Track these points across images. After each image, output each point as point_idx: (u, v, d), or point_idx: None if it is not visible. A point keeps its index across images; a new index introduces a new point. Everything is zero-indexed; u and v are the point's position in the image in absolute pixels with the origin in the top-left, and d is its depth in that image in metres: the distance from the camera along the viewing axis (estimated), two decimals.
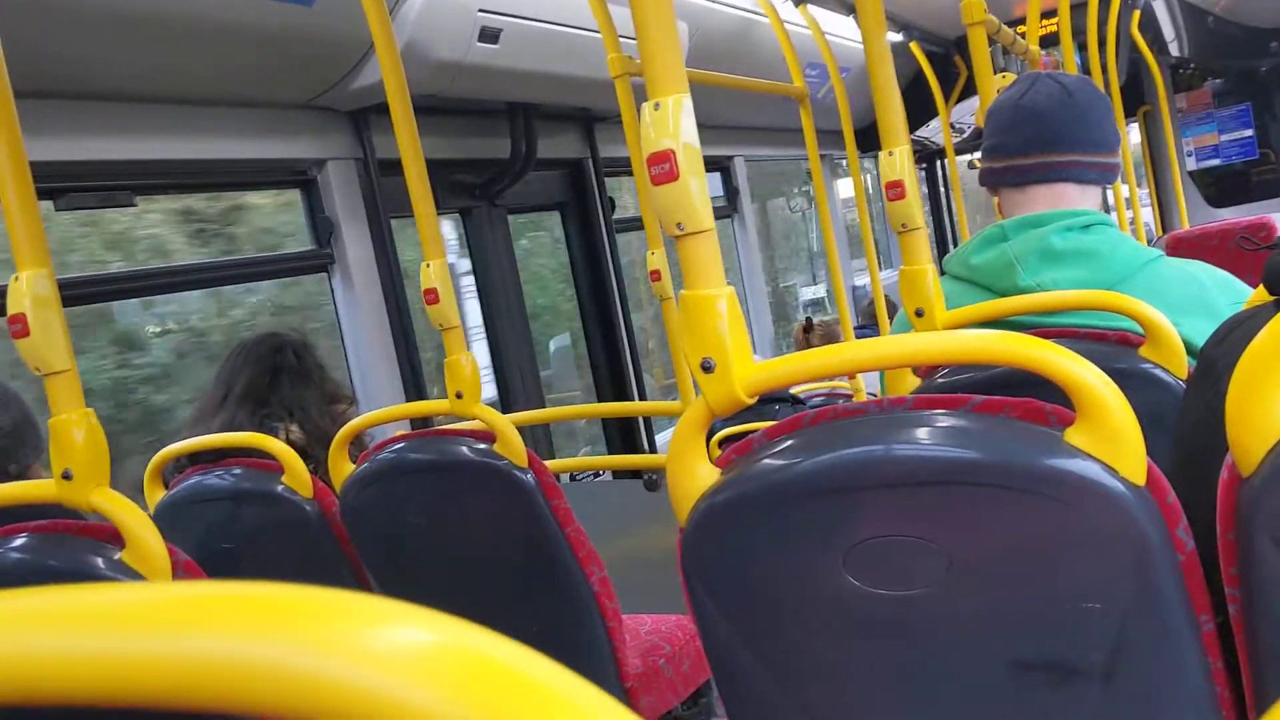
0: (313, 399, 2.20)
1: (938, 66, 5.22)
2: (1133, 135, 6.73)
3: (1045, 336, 1.48)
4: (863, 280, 5.86)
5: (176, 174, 2.67)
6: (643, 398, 4.09)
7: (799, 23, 3.91)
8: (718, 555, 0.99)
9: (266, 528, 1.96)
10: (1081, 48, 4.54)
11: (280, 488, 1.91)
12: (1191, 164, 6.37)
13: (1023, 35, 3.23)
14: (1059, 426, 0.87)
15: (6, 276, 1.35)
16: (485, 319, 3.56)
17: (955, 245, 7.26)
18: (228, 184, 2.93)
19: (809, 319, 4.84)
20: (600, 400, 4.08)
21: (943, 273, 1.66)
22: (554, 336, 4.61)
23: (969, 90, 5.37)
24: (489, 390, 3.48)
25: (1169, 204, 6.34)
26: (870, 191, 6.31)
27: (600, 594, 1.80)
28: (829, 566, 0.92)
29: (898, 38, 5.04)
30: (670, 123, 0.96)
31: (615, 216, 4.03)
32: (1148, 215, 6.59)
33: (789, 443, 0.97)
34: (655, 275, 2.67)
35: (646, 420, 4.03)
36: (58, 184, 2.31)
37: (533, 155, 3.43)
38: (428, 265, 1.86)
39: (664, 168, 0.97)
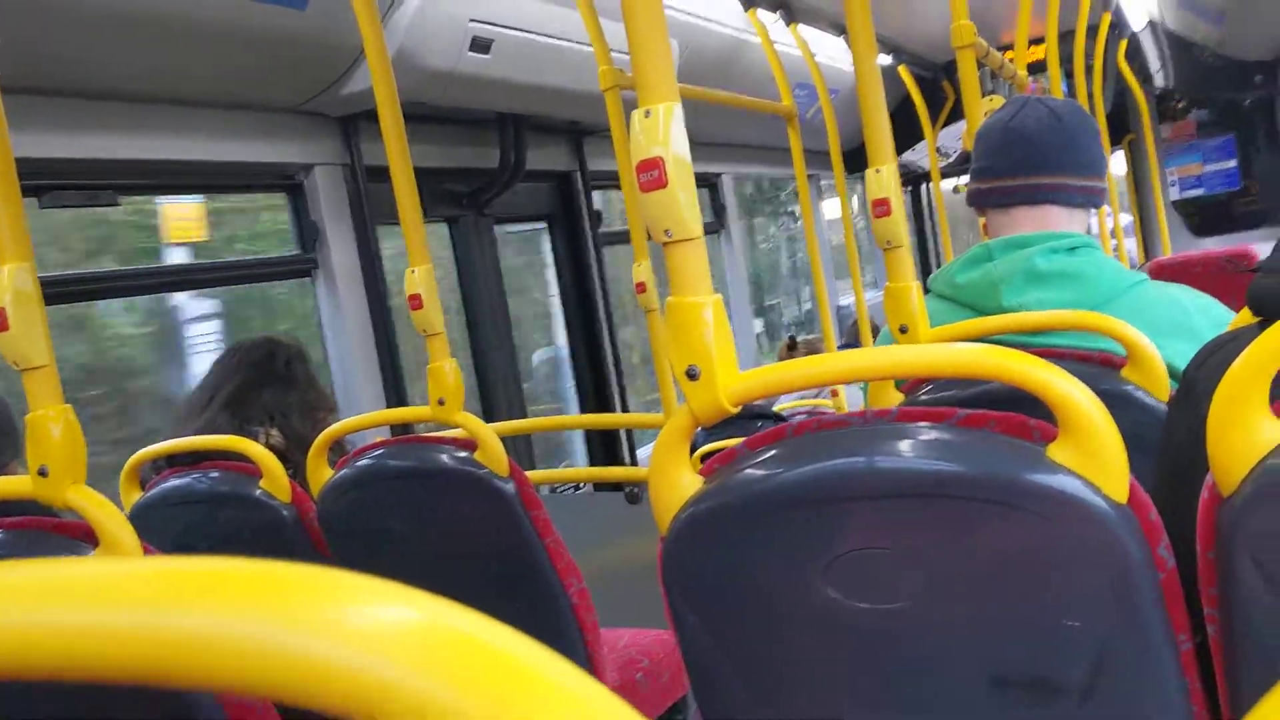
0: (294, 404, 2.19)
1: (925, 90, 5.26)
2: (1118, 164, 6.79)
3: None
4: (847, 300, 5.88)
5: (162, 174, 2.65)
6: (625, 410, 4.09)
7: (789, 43, 3.93)
8: (699, 565, 0.98)
9: (243, 532, 1.94)
10: (1069, 75, 4.58)
11: (258, 492, 1.89)
12: (1175, 193, 6.43)
13: (1011, 61, 3.26)
14: (1042, 442, 0.87)
15: None
16: (469, 328, 3.55)
17: (938, 267, 7.30)
18: (214, 186, 2.92)
19: (793, 337, 4.85)
20: (584, 412, 4.08)
21: (927, 291, 1.67)
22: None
23: (956, 114, 5.41)
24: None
25: (1152, 232, 6.39)
26: (856, 211, 6.34)
27: (578, 606, 1.79)
28: (811, 578, 0.92)
29: (887, 61, 5.08)
30: (660, 130, 0.96)
31: (602, 229, 4.04)
32: (1131, 244, 6.64)
33: (772, 453, 0.96)
34: (641, 287, 2.67)
35: (629, 433, 4.02)
36: (42, 180, 2.30)
37: (521, 166, 3.43)
38: (412, 271, 1.86)
39: (653, 175, 0.96)
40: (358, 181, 2.94)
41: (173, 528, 1.95)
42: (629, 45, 0.98)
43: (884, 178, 1.57)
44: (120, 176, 2.51)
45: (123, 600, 0.26)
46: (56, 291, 2.31)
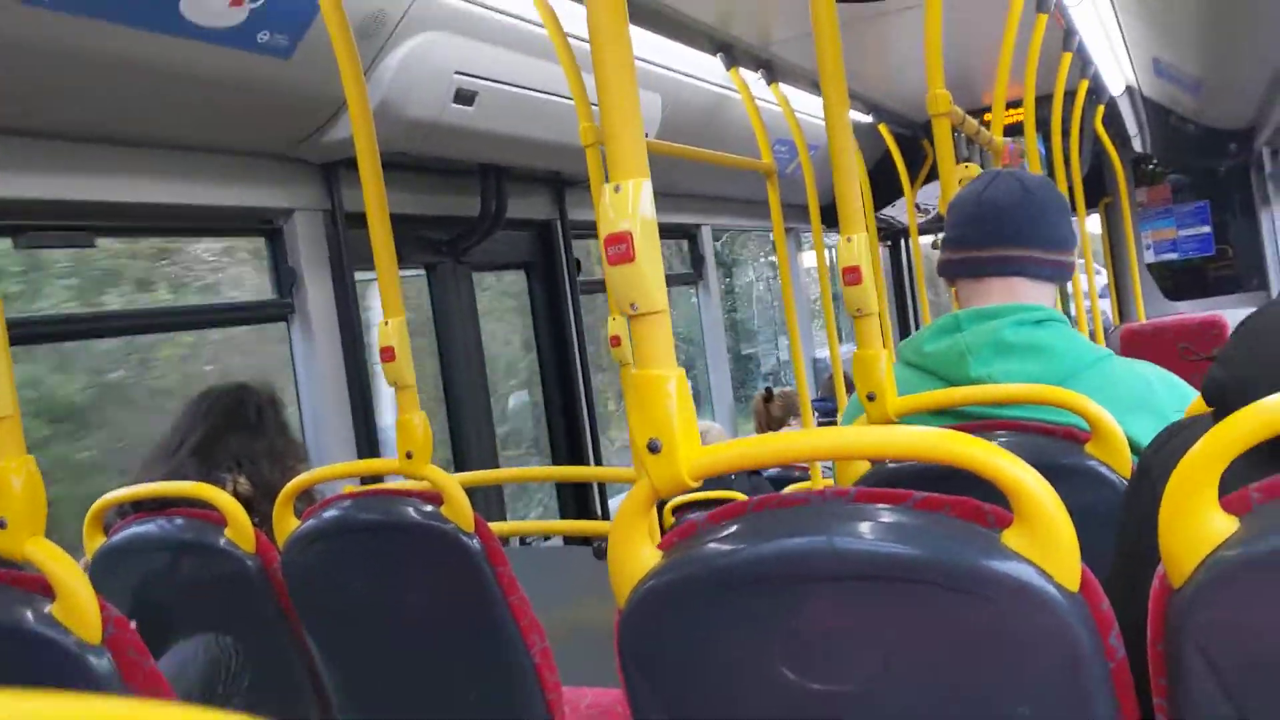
0: (263, 452, 2.17)
1: (905, 148, 5.33)
2: (1094, 226, 6.88)
3: (993, 428, 1.51)
4: (823, 353, 5.91)
5: (141, 217, 2.65)
6: (599, 461, 4.08)
7: (770, 100, 3.98)
8: (655, 639, 0.98)
9: (205, 581, 1.92)
10: (1045, 138, 4.64)
11: (222, 541, 1.87)
12: (1150, 256, 6.51)
13: (988, 124, 3.31)
14: (997, 528, 0.87)
15: None
16: (443, 375, 3.55)
17: (916, 324, 7.37)
18: (192, 229, 2.91)
19: (769, 389, 4.86)
20: (555, 460, 4.06)
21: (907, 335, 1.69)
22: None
23: (935, 173, 5.47)
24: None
25: (1127, 295, 6.46)
26: (832, 267, 6.39)
27: (541, 665, 1.77)
28: (766, 656, 0.92)
29: (867, 119, 5.14)
30: (629, 205, 0.98)
31: (581, 278, 4.05)
32: (1105, 305, 6.71)
33: (733, 528, 0.97)
34: (615, 341, 2.68)
35: (601, 483, 4.02)
36: (17, 221, 2.29)
37: (502, 215, 3.45)
38: (385, 323, 1.86)
39: (621, 248, 0.97)
40: (338, 227, 2.94)
41: (134, 576, 1.93)
42: (601, 122, 1.00)
43: (855, 246, 1.59)
44: (99, 218, 2.50)
45: None
46: (22, 333, 2.30)
